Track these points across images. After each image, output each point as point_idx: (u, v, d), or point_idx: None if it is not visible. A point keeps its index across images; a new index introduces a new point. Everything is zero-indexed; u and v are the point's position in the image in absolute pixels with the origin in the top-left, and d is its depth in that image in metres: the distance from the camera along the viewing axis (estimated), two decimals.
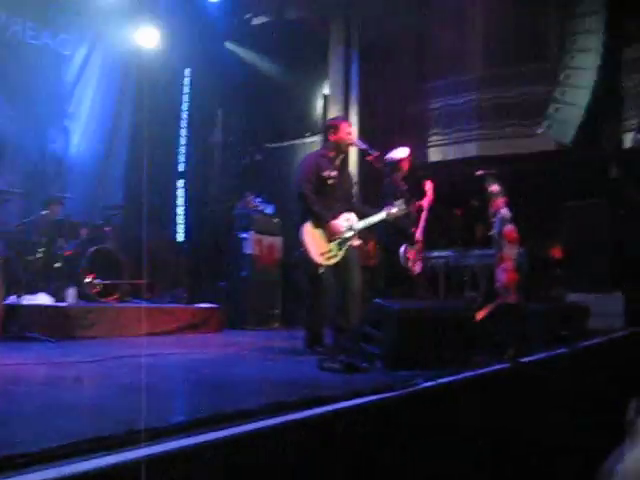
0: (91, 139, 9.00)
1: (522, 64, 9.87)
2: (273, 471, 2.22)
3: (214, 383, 3.53)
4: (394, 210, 5.30)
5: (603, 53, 8.90)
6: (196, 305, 7.73)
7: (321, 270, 5.06)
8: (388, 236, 6.56)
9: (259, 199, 9.42)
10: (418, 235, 6.63)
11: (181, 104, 10.75)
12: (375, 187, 8.68)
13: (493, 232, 7.59)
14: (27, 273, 6.38)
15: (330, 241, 5.13)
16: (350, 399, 2.74)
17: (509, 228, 7.46)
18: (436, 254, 8.90)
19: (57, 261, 6.90)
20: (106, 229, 7.59)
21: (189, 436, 2.05)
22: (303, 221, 5.16)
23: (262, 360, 4.85)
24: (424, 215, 6.74)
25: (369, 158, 5.53)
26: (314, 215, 5.14)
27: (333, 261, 5.12)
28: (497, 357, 4.27)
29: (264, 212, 9.27)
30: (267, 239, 8.99)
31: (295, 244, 5.56)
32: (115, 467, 1.73)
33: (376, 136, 8.82)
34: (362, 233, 5.41)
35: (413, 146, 7.17)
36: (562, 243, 9.13)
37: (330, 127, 5.52)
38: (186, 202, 10.65)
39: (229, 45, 10.89)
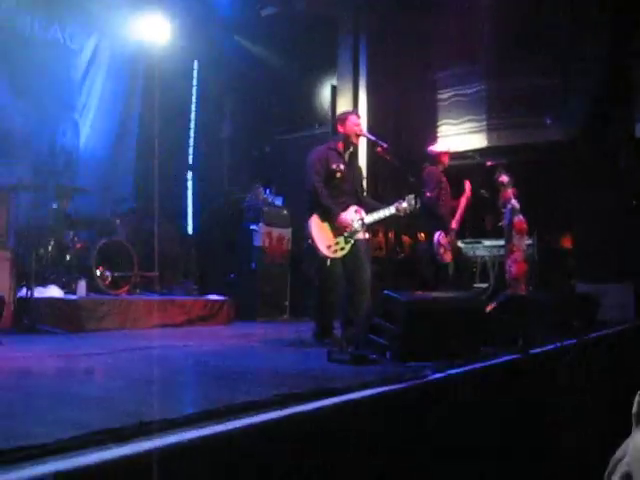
0: (100, 132, 9.01)
1: (532, 53, 9.81)
2: (284, 462, 2.23)
3: (224, 375, 3.55)
4: (404, 205, 5.25)
5: (612, 42, 8.84)
6: (206, 297, 7.76)
7: (329, 262, 5.06)
8: (428, 223, 6.73)
9: (268, 191, 9.43)
10: (454, 226, 6.83)
11: (190, 96, 10.75)
12: (384, 180, 8.70)
13: (503, 223, 7.58)
14: (38, 266, 6.40)
15: (338, 234, 5.13)
16: (360, 390, 2.75)
17: (519, 219, 7.45)
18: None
19: (67, 254, 6.93)
20: (116, 221, 7.62)
21: (200, 428, 2.06)
22: (311, 214, 5.16)
23: (271, 352, 4.88)
24: (461, 211, 7.03)
25: (378, 150, 5.51)
26: (323, 208, 5.14)
27: (340, 254, 5.12)
28: (507, 348, 4.27)
29: (273, 204, 9.28)
30: (276, 231, 9.01)
31: (304, 236, 5.57)
32: (127, 458, 1.75)
33: (385, 127, 8.81)
34: (371, 225, 5.40)
35: (422, 136, 7.25)
36: (572, 233, 9.10)
37: (339, 119, 5.52)
38: (195, 194, 10.67)
39: (237, 37, 10.87)
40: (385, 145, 5.46)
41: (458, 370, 3.45)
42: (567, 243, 9.30)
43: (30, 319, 5.74)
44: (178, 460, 1.89)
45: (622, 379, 5.06)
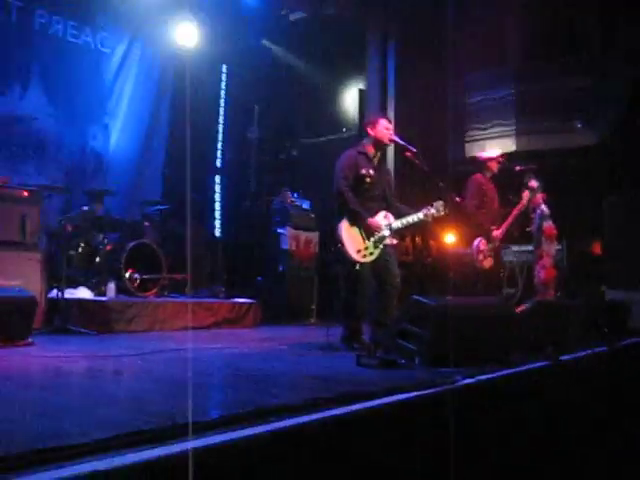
0: (130, 135, 9.10)
1: (561, 57, 9.73)
2: (314, 466, 2.23)
3: (254, 378, 3.56)
4: (432, 211, 5.20)
5: None
6: (233, 300, 7.79)
7: (357, 267, 5.06)
8: (468, 230, 6.86)
9: (296, 194, 9.45)
10: (498, 233, 6.77)
11: (218, 100, 10.83)
12: (412, 184, 8.66)
13: (532, 228, 7.50)
14: (68, 267, 6.48)
15: (367, 239, 5.12)
16: (390, 395, 2.74)
17: (548, 224, 7.37)
18: None
19: (97, 256, 7.00)
20: (145, 224, 7.68)
21: (231, 431, 2.07)
22: (340, 218, 5.16)
23: (300, 355, 4.87)
24: (511, 219, 6.91)
25: (407, 154, 5.49)
26: (351, 213, 5.14)
27: (369, 259, 5.11)
28: (536, 355, 4.23)
29: (301, 207, 9.29)
30: (303, 234, 9.02)
31: (331, 239, 5.57)
32: (161, 460, 1.76)
33: (413, 131, 8.77)
34: (398, 230, 5.38)
35: (451, 141, 7.19)
36: (602, 239, 8.99)
37: (369, 122, 5.51)
38: (223, 198, 10.74)
39: (266, 41, 10.93)
40: (414, 149, 5.43)
41: (488, 376, 3.43)
42: (597, 249, 9.18)
43: (61, 320, 5.81)
44: (209, 462, 1.90)
45: None
